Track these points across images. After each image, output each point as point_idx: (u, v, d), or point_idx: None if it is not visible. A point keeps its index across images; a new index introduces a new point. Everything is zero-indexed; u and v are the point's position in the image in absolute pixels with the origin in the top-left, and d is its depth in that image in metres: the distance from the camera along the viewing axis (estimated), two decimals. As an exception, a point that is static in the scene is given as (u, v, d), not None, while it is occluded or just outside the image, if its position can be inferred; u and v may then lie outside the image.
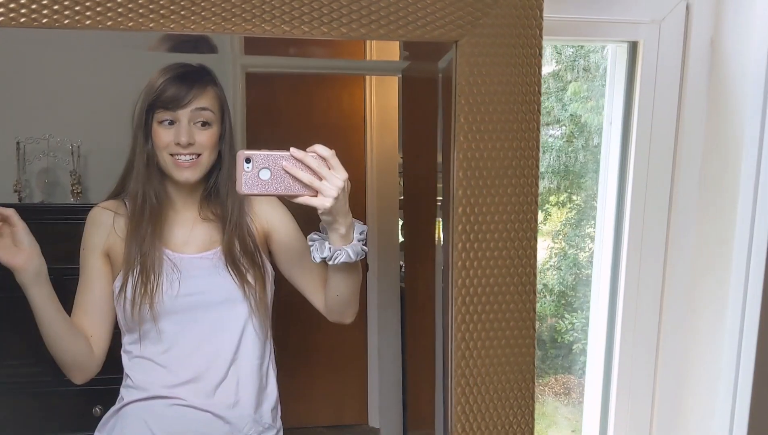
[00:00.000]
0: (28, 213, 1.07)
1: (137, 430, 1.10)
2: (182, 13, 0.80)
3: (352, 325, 1.19)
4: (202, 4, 0.79)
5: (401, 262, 1.63)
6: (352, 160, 1.55)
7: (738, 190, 1.11)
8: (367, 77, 1.62)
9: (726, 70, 1.13)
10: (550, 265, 1.77)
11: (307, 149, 0.93)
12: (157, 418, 1.10)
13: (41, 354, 1.36)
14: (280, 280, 1.19)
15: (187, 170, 1.07)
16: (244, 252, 1.11)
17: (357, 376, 1.64)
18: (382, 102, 1.62)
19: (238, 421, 1.12)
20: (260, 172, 0.91)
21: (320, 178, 0.92)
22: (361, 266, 1.08)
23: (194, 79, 1.07)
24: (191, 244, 1.12)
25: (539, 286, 1.78)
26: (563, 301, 1.75)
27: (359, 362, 1.63)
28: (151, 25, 0.78)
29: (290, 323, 1.33)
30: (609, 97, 1.23)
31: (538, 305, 1.76)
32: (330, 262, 1.01)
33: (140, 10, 0.79)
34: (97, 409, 1.28)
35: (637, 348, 1.24)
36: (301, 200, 0.93)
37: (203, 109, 1.07)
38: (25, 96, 1.29)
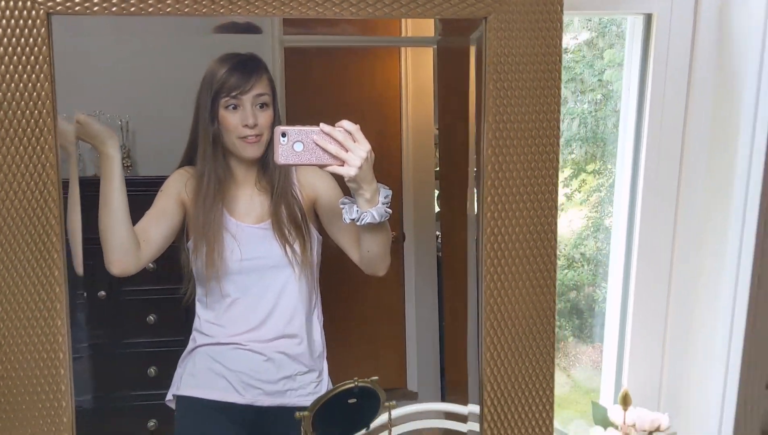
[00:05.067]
0: (83, 186, 1.16)
1: (208, 365, 1.30)
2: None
3: (389, 292, 1.39)
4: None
5: (438, 232, 1.65)
6: (389, 132, 1.58)
7: (741, 151, 1.18)
8: (402, 50, 1.64)
9: (733, 37, 1.19)
10: (587, 234, 1.78)
11: (335, 124, 1.06)
12: (224, 357, 1.29)
13: (102, 319, 1.45)
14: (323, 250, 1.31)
15: (252, 148, 1.23)
16: (290, 220, 1.26)
17: (395, 341, 1.68)
18: (417, 74, 1.63)
19: (289, 362, 1.31)
20: (294, 144, 1.04)
21: (346, 150, 1.06)
22: (388, 226, 1.21)
23: (252, 68, 1.23)
24: (251, 214, 1.27)
25: (577, 255, 1.79)
26: (601, 270, 1.76)
27: (397, 328, 1.66)
28: (203, 11, 0.88)
29: (327, 291, 1.38)
30: (627, 65, 1.29)
31: (575, 274, 1.78)
32: (358, 223, 1.14)
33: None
34: (152, 370, 1.39)
35: (648, 310, 1.37)
36: (329, 169, 1.07)
37: (262, 94, 1.22)
38: (76, 76, 1.35)
